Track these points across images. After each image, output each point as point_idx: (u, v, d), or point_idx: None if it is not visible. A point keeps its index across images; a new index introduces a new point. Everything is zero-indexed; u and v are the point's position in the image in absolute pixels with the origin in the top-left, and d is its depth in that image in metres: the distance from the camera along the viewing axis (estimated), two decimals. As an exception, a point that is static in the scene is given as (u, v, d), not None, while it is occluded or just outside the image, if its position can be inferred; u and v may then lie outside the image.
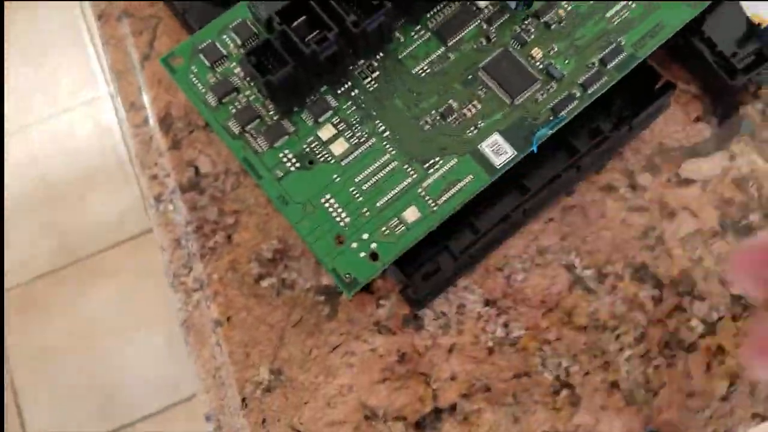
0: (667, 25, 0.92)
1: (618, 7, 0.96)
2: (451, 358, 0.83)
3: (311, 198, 0.91)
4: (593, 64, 0.93)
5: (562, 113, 0.90)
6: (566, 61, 0.95)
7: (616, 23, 0.95)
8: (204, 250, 0.92)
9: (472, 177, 0.90)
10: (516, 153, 0.90)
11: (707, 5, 0.85)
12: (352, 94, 0.97)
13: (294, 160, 0.94)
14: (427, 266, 0.91)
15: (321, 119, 0.96)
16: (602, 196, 0.90)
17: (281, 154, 0.94)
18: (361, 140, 0.95)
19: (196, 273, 0.91)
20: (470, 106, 0.94)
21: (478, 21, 0.98)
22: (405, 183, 0.91)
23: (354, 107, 0.96)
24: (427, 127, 0.94)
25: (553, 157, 0.87)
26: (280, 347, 0.91)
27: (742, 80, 0.82)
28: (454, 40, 0.98)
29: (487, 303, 0.87)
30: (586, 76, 0.92)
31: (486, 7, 0.99)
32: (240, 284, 0.93)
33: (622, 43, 0.93)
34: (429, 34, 0.99)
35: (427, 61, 0.97)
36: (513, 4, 0.97)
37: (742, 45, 0.86)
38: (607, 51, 0.93)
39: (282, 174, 0.93)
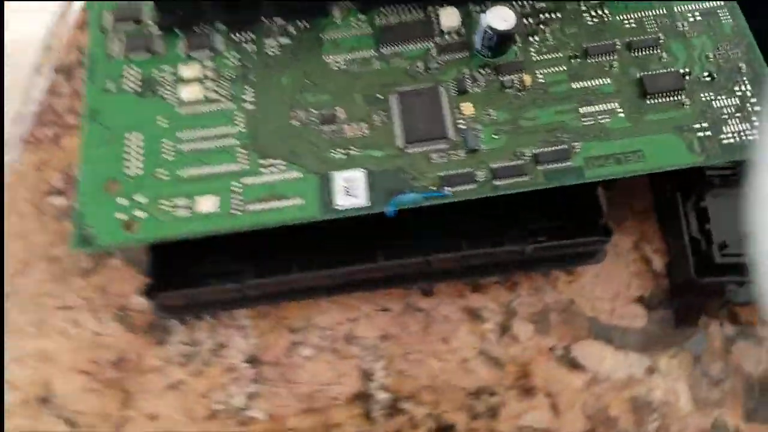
0: (648, 160, 0.68)
1: (599, 108, 0.72)
2: (167, 395, 0.60)
3: (119, 128, 0.73)
4: (523, 154, 0.70)
5: (449, 190, 0.67)
6: (495, 136, 0.72)
7: (584, 124, 0.71)
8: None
9: (301, 202, 0.68)
10: (368, 205, 0.67)
11: (725, 161, 0.60)
12: (246, 48, 0.78)
13: (136, 82, 0.76)
14: (194, 275, 0.70)
15: (194, 55, 0.77)
16: (460, 318, 0.66)
17: (130, 70, 0.76)
18: (219, 99, 0.75)
19: None
20: (357, 126, 0.73)
21: (430, 44, 0.77)
22: (227, 167, 0.71)
23: (237, 62, 0.77)
24: (296, 123, 0.73)
25: (429, 237, 0.70)
26: None
27: (711, 281, 0.55)
28: (390, 50, 0.77)
29: (251, 360, 0.64)
30: (505, 164, 0.69)
31: (449, 33, 0.78)
32: None
33: (576, 150, 0.69)
34: (369, 29, 0.78)
35: (348, 56, 0.77)
36: (477, 44, 0.75)
37: (742, 240, 0.60)
38: (549, 149, 0.69)
39: (114, 89, 0.75)
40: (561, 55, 0.77)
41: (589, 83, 0.75)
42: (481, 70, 0.77)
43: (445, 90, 0.74)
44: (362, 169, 0.70)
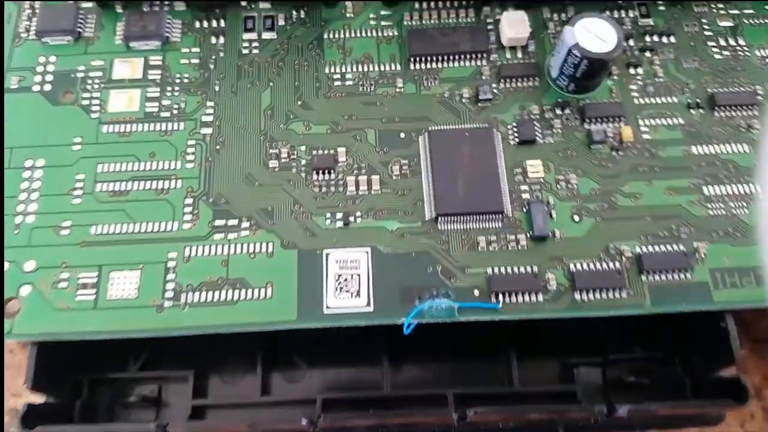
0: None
1: (732, 190, 0.48)
2: None
3: (17, 147, 0.48)
4: (620, 253, 0.45)
5: (498, 302, 0.43)
6: (576, 217, 0.47)
7: (710, 213, 0.47)
8: None
9: (269, 295, 0.44)
10: (370, 310, 0.42)
11: None
12: (212, 41, 0.52)
13: (48, 80, 0.51)
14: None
15: (135, 45, 0.52)
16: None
17: (43, 59, 0.51)
18: (163, 116, 0.50)
19: None
20: (365, 177, 0.48)
21: (483, 62, 0.52)
22: (163, 227, 0.46)
23: (197, 61, 0.52)
24: (274, 165, 0.48)
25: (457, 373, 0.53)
26: None
27: None
28: (423, 66, 0.52)
29: None
30: (591, 266, 0.44)
31: (512, 48, 0.53)
32: None
33: (700, 253, 0.46)
34: (394, 32, 0.53)
35: (360, 69, 0.51)
36: (555, 70, 0.50)
37: None
38: (660, 250, 0.45)
39: (16, 86, 0.50)
40: (676, 100, 0.54)
41: (717, 149, 0.51)
42: (559, 111, 0.52)
43: (502, 135, 0.50)
44: (367, 248, 0.46)
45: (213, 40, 0.53)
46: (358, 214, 0.48)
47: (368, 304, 0.45)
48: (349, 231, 0.47)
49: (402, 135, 0.50)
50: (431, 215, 0.48)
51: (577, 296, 0.46)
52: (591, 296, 0.45)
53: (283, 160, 0.49)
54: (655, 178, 0.50)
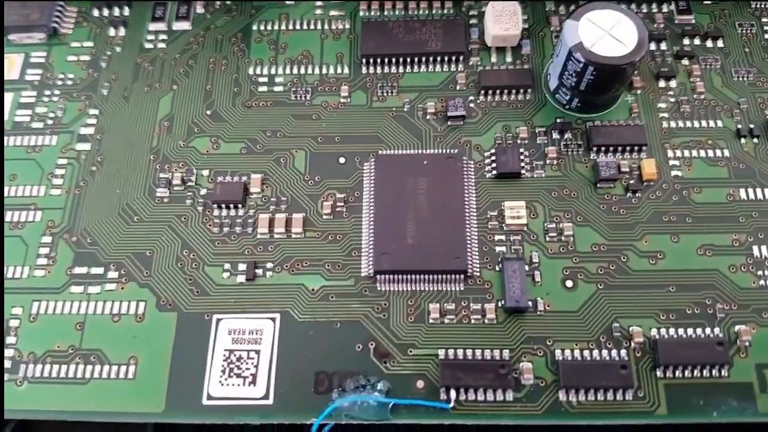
0: None
1: None
2: None
3: None
4: (627, 336, 0.32)
5: (450, 400, 0.30)
6: (569, 284, 0.34)
7: (760, 284, 0.32)
8: None
9: (134, 378, 0.31)
10: (268, 403, 0.31)
11: None
12: (110, 33, 0.41)
13: None
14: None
15: (15, 38, 0.41)
16: None
17: None
18: (36, 124, 0.39)
19: None
20: (283, 215, 0.36)
21: (459, 67, 0.40)
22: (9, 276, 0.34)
23: (88, 59, 0.40)
24: (162, 195, 0.36)
25: None
26: None
27: None
28: (379, 70, 0.40)
29: None
30: (586, 354, 0.30)
31: (499, 50, 0.40)
32: None
33: (743, 342, 0.31)
34: (345, 23, 0.41)
35: (294, 72, 0.39)
36: (553, 79, 0.37)
37: None
38: (685, 333, 0.30)
39: None
40: (722, 125, 0.40)
41: (776, 195, 0.38)
42: (556, 135, 0.39)
43: (476, 165, 0.37)
44: (275, 314, 0.34)
45: (111, 31, 0.42)
46: (269, 266, 0.36)
47: (266, 396, 0.32)
48: (253, 289, 0.35)
49: (341, 160, 0.38)
50: (368, 271, 0.35)
51: (562, 397, 0.32)
52: (582, 398, 0.32)
53: (175, 188, 0.37)
54: (686, 231, 0.36)
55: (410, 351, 0.34)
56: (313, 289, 0.35)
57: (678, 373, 0.33)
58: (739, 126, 0.39)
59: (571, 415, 0.32)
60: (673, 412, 0.32)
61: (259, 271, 0.36)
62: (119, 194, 0.37)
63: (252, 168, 0.38)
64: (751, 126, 0.38)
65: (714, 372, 0.33)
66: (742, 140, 0.38)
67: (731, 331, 0.34)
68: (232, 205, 0.37)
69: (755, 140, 0.38)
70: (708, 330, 0.33)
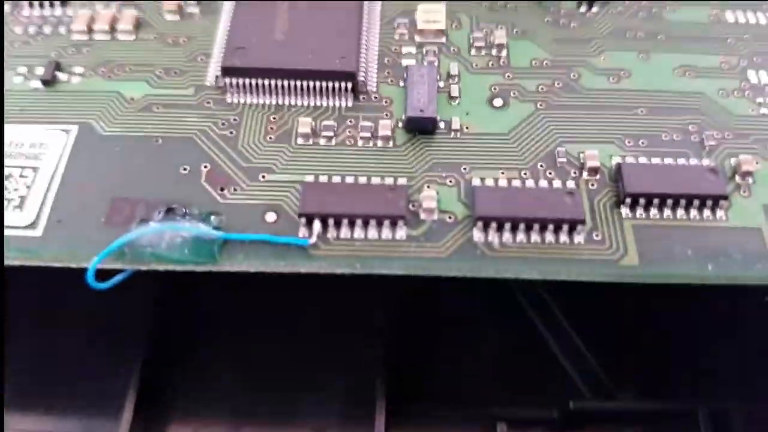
0: None
1: None
2: None
3: None
4: (570, 160, 0.21)
5: (310, 235, 0.19)
6: (499, 101, 0.23)
7: None
8: None
9: None
10: (36, 235, 0.19)
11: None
12: None
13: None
14: None
15: None
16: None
17: None
18: None
19: None
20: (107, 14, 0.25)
21: None
22: None
23: None
24: None
25: None
26: None
27: None
28: None
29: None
30: (534, 184, 0.20)
31: None
32: None
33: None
34: None
35: None
36: None
37: None
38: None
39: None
40: None
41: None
42: None
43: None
44: (72, 125, 0.23)
45: None
46: (79, 70, 0.25)
47: (34, 224, 0.21)
48: (50, 96, 0.25)
49: None
50: (215, 73, 0.25)
51: (478, 235, 0.22)
52: (507, 238, 0.22)
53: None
54: (658, 50, 0.27)
55: (263, 176, 0.23)
56: (132, 98, 0.25)
57: (653, 212, 0.22)
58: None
59: (491, 260, 0.21)
60: (647, 262, 0.22)
61: (63, 76, 0.25)
62: None
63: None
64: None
65: (705, 212, 0.22)
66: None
67: (726, 162, 0.24)
68: (47, 2, 0.27)
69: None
70: (694, 161, 0.24)
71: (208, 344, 0.29)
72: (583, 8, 0.28)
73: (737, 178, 0.23)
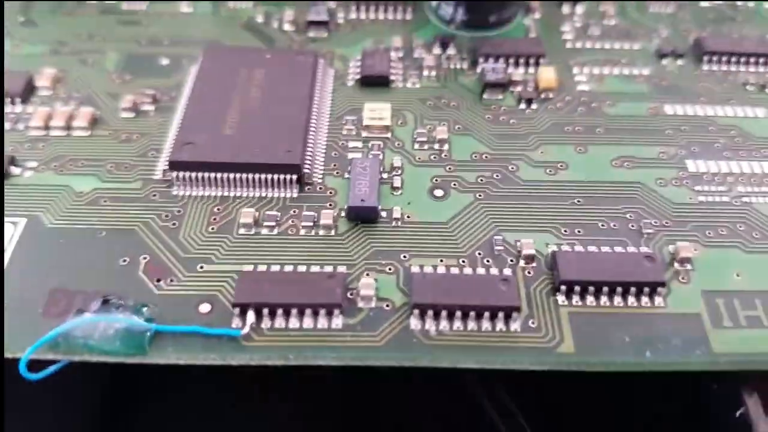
0: None
1: None
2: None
3: None
4: (507, 248, 0.21)
5: (242, 326, 0.19)
6: (440, 191, 0.24)
7: None
8: None
9: None
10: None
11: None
12: None
13: None
14: None
15: None
16: None
17: None
18: None
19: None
20: (65, 110, 0.26)
21: None
22: None
23: None
24: None
25: None
26: None
27: None
28: None
29: None
30: (472, 272, 0.20)
31: None
32: None
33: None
34: None
35: None
36: (448, 12, 0.31)
37: None
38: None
39: None
40: (638, 47, 0.33)
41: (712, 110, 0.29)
42: (437, 50, 0.31)
43: (337, 73, 0.30)
44: (20, 218, 0.24)
45: None
46: (32, 164, 0.26)
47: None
48: (6, 188, 0.25)
49: (164, 62, 0.30)
50: (163, 167, 0.26)
51: (415, 323, 0.22)
52: (444, 326, 0.21)
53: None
54: (596, 142, 0.27)
55: (201, 267, 0.23)
56: (81, 192, 0.25)
57: (590, 300, 0.22)
58: (660, 47, 0.32)
59: (428, 348, 0.21)
60: (583, 348, 0.21)
61: (16, 170, 0.26)
62: None
63: (48, 66, 0.30)
64: (674, 48, 0.32)
65: (643, 299, 0.22)
66: (664, 61, 0.31)
67: (665, 250, 0.24)
68: (9, 100, 0.28)
69: (679, 62, 0.31)
70: (632, 249, 0.24)
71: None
72: (522, 105, 0.30)
73: (676, 264, 0.23)
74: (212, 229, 0.24)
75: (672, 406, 0.27)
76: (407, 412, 0.30)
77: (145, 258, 0.23)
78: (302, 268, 0.23)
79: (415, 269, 0.23)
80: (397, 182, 0.26)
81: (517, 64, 0.30)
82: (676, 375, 0.21)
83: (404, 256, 0.24)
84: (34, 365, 0.22)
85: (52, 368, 0.22)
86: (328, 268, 0.23)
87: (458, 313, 0.22)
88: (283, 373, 0.23)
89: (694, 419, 0.27)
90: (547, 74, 0.29)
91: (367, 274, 0.23)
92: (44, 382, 0.22)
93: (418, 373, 0.21)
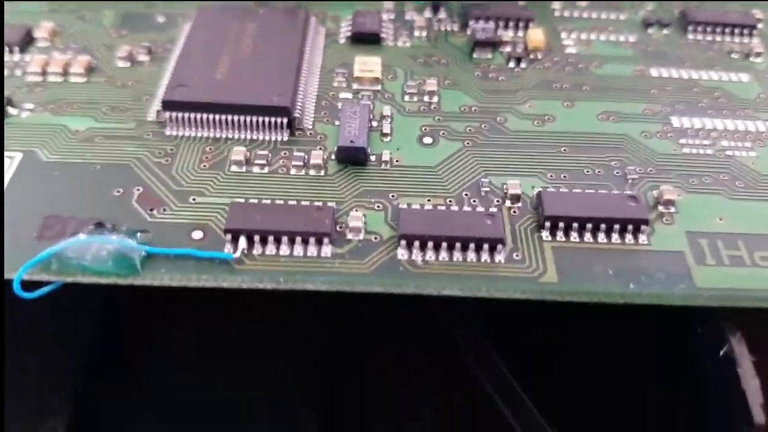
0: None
1: None
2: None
3: None
4: (493, 189, 0.22)
5: (235, 250, 0.19)
6: (428, 139, 0.25)
7: None
8: None
9: None
10: None
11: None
12: None
13: None
14: None
15: None
16: None
17: None
18: None
19: None
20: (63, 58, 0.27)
21: None
22: None
23: None
24: None
25: None
26: None
27: None
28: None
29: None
30: (458, 208, 0.21)
31: None
32: None
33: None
34: None
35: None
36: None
37: None
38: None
39: None
40: (623, 17, 0.34)
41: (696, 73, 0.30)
42: (428, 14, 0.32)
43: (328, 31, 0.30)
44: (16, 152, 0.24)
45: None
46: (29, 106, 0.26)
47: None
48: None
49: (160, 19, 0.31)
50: (156, 108, 0.26)
51: (402, 253, 0.22)
52: (431, 256, 0.22)
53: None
54: (583, 99, 0.28)
55: (193, 199, 0.23)
56: (76, 130, 0.26)
57: (573, 236, 0.23)
58: (646, 18, 0.33)
59: (414, 276, 0.21)
60: (566, 279, 0.21)
61: (13, 111, 0.26)
62: None
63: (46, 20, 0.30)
64: (659, 18, 0.33)
65: (627, 237, 0.23)
66: (649, 29, 0.32)
67: (649, 194, 0.24)
68: (7, 50, 0.29)
69: (665, 31, 0.32)
70: (616, 192, 0.24)
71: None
72: (511, 64, 0.30)
73: (660, 207, 0.24)
74: (204, 165, 0.25)
75: (659, 358, 0.28)
76: (391, 363, 0.30)
77: (138, 189, 0.24)
78: (292, 203, 0.23)
79: (403, 206, 0.23)
80: (386, 129, 0.26)
81: (507, 27, 0.31)
82: (662, 319, 0.22)
83: (392, 195, 0.24)
84: (30, 287, 0.22)
85: (46, 288, 0.22)
86: (318, 204, 0.23)
87: (444, 245, 0.22)
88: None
89: (684, 373, 0.27)
90: (536, 35, 0.30)
91: (356, 210, 0.23)
92: (40, 306, 0.22)
93: (406, 330, 0.22)
